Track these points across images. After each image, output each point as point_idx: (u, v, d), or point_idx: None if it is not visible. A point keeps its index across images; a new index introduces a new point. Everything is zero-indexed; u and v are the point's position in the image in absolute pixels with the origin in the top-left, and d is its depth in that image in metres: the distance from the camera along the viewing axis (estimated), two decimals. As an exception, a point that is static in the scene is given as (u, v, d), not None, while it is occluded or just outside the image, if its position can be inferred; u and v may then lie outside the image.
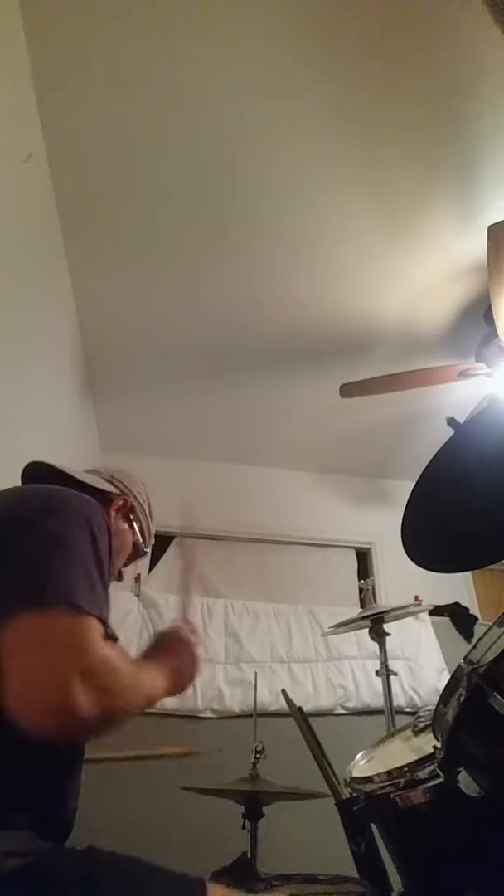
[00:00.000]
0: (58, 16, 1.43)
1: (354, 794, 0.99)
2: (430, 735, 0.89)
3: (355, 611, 1.98)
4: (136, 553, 1.13)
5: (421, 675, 2.56)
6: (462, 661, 0.68)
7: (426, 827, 0.87)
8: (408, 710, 2.39)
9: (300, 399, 2.86)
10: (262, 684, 2.23)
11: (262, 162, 1.78)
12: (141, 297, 2.28)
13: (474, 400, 2.43)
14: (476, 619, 2.89)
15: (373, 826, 0.98)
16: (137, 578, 2.79)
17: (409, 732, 1.10)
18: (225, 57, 1.52)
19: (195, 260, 2.11)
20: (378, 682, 1.85)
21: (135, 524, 1.10)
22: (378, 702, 2.25)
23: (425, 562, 1.15)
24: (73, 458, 2.51)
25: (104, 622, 0.65)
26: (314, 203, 1.91)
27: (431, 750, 0.85)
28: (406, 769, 0.87)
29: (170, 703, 2.29)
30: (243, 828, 1.35)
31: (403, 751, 1.02)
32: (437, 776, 0.79)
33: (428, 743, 0.90)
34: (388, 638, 1.75)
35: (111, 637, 0.67)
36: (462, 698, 0.66)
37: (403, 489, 1.14)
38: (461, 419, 1.13)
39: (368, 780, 0.95)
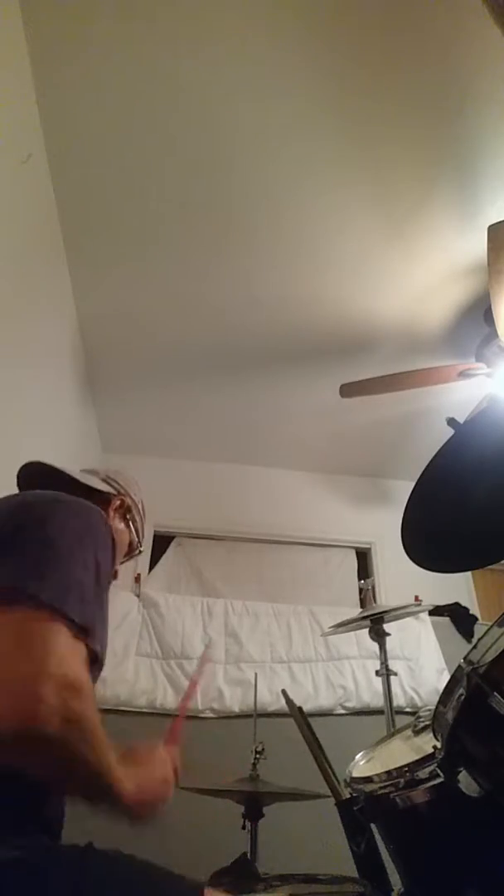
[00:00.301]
0: (58, 16, 1.43)
1: (354, 794, 0.99)
2: (430, 735, 0.89)
3: (355, 611, 1.98)
4: (132, 552, 1.15)
5: (421, 675, 2.56)
6: (462, 661, 0.68)
7: (426, 827, 0.87)
8: (408, 710, 2.39)
9: (300, 399, 2.86)
10: (262, 684, 2.24)
11: (263, 162, 1.78)
12: (141, 297, 2.28)
13: (474, 400, 2.43)
14: (476, 619, 2.89)
15: (373, 826, 0.98)
16: (137, 578, 2.79)
17: (409, 732, 1.10)
18: (225, 57, 1.52)
19: (195, 260, 2.11)
20: (378, 682, 1.85)
21: (131, 524, 1.12)
22: (378, 702, 2.25)
23: (425, 562, 1.15)
24: (74, 457, 2.51)
25: (89, 630, 0.64)
26: (314, 203, 1.91)
27: (431, 750, 0.84)
28: (406, 769, 0.87)
29: (170, 702, 2.30)
30: (243, 828, 1.36)
31: (403, 751, 1.02)
32: (437, 776, 0.79)
33: (428, 743, 0.90)
34: (388, 638, 1.75)
35: (98, 656, 0.66)
36: (462, 698, 0.66)
37: (403, 489, 1.14)
38: (461, 419, 1.13)
39: (368, 780, 0.95)
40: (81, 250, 2.07)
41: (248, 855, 1.30)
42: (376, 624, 1.75)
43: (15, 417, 1.72)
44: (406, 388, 2.30)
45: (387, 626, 1.76)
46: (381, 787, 0.90)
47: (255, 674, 2.10)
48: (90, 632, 0.64)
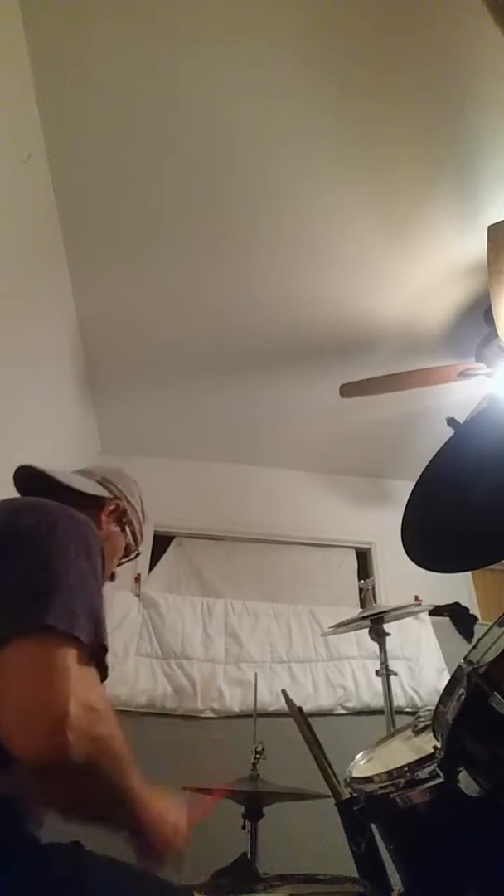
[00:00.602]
0: (58, 16, 1.43)
1: (354, 794, 0.99)
2: (430, 735, 0.89)
3: (355, 611, 1.98)
4: (127, 555, 1.13)
5: (421, 675, 2.56)
6: (462, 661, 0.68)
7: (426, 827, 0.87)
8: (408, 710, 2.39)
9: (300, 399, 2.86)
10: (262, 684, 2.23)
11: (263, 162, 1.78)
12: (141, 297, 2.28)
13: (474, 400, 2.43)
14: (476, 619, 2.89)
15: (373, 826, 0.98)
16: (137, 578, 2.79)
17: (409, 732, 1.10)
18: (225, 57, 1.52)
19: (195, 260, 2.11)
20: (378, 682, 1.85)
21: (127, 528, 1.09)
22: (378, 702, 2.25)
23: (425, 562, 1.15)
24: (74, 458, 2.51)
25: (99, 648, 0.64)
26: (314, 203, 1.91)
27: (431, 750, 0.84)
28: (406, 769, 0.87)
29: (170, 702, 2.30)
30: (243, 828, 1.35)
31: (403, 751, 1.02)
32: (438, 776, 0.79)
33: (428, 743, 0.90)
34: (388, 638, 1.75)
35: (105, 667, 0.66)
36: (462, 698, 0.66)
37: (403, 489, 1.14)
38: (461, 419, 1.13)
39: (368, 780, 0.95)
40: (81, 250, 2.07)
41: (248, 855, 1.30)
42: (376, 624, 1.75)
43: (15, 417, 1.72)
44: (406, 388, 2.30)
45: (387, 626, 1.76)
46: (381, 787, 0.90)
47: (255, 674, 2.10)
48: (100, 649, 0.64)
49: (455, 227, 1.97)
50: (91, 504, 0.99)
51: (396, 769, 0.89)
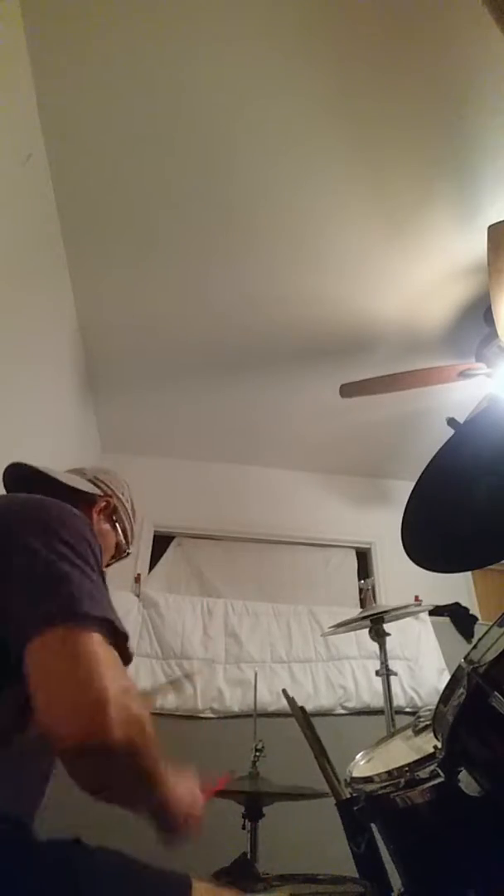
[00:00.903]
0: (58, 16, 1.43)
1: (355, 794, 0.99)
2: (431, 735, 0.89)
3: (355, 611, 1.98)
4: (118, 553, 1.13)
5: (421, 675, 2.56)
6: (462, 660, 0.68)
7: (426, 827, 0.87)
8: (408, 710, 2.39)
9: (300, 399, 2.86)
10: (262, 684, 2.24)
11: (263, 162, 1.78)
12: (141, 297, 2.28)
13: (474, 400, 2.43)
14: (476, 619, 2.89)
15: (373, 826, 0.98)
16: (137, 578, 2.79)
17: (409, 732, 1.10)
18: (225, 57, 1.52)
19: (195, 260, 2.11)
20: (378, 682, 1.85)
21: (117, 525, 1.10)
22: (378, 702, 2.25)
23: (425, 562, 1.15)
24: (74, 458, 2.51)
25: (118, 631, 0.65)
26: (314, 203, 1.91)
27: (432, 750, 0.84)
28: (406, 769, 0.87)
29: (170, 702, 2.30)
30: (243, 828, 1.35)
31: (404, 751, 1.02)
32: (438, 776, 0.79)
33: (428, 743, 0.90)
34: (388, 638, 1.75)
35: (129, 651, 0.67)
36: (462, 698, 0.66)
37: (403, 489, 1.14)
38: (461, 419, 1.13)
39: (369, 780, 0.95)
40: (81, 251, 2.07)
41: (248, 855, 1.30)
42: (376, 624, 1.75)
43: (15, 417, 1.72)
44: (406, 388, 2.30)
45: (387, 626, 1.76)
46: (381, 787, 0.90)
47: (255, 673, 2.10)
48: (119, 632, 0.65)
49: (455, 227, 1.97)
50: (82, 500, 1.00)
51: (396, 769, 0.89)
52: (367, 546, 3.29)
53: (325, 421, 3.01)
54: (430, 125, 1.67)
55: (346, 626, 1.84)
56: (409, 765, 0.87)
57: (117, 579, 2.52)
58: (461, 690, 0.67)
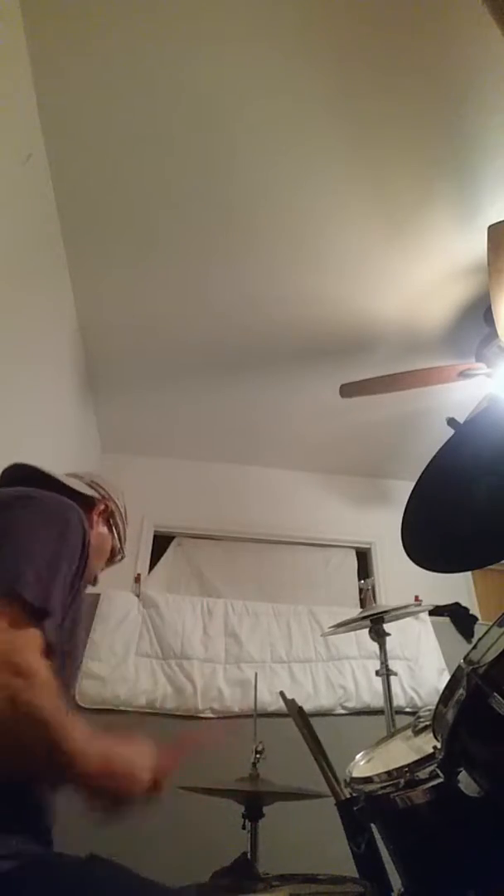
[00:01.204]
0: (58, 16, 1.43)
1: (354, 794, 0.99)
2: (430, 735, 0.89)
3: (355, 611, 1.98)
4: (113, 557, 1.15)
5: (421, 675, 2.56)
6: (462, 661, 0.68)
7: (426, 827, 0.87)
8: (408, 710, 2.38)
9: (300, 399, 2.86)
10: (262, 684, 2.23)
11: (263, 162, 1.78)
12: (141, 297, 2.28)
13: (474, 400, 2.43)
14: (476, 619, 2.89)
15: (373, 826, 0.98)
16: (137, 578, 2.79)
17: (409, 732, 1.10)
18: (225, 57, 1.52)
19: (195, 260, 2.11)
20: (378, 682, 1.85)
21: (114, 529, 1.12)
22: (378, 702, 2.25)
23: (425, 562, 1.15)
24: (74, 457, 2.51)
25: (47, 613, 0.64)
26: (314, 203, 1.91)
27: (431, 750, 0.84)
28: (406, 769, 0.87)
29: (170, 702, 2.30)
30: (243, 828, 1.35)
31: (403, 751, 1.02)
32: (438, 776, 0.79)
33: (428, 743, 0.90)
34: (388, 638, 1.75)
35: (39, 609, 0.65)
36: (462, 698, 0.66)
37: (403, 489, 1.14)
38: (461, 419, 1.13)
39: (368, 780, 0.95)
40: (81, 251, 2.07)
41: (248, 855, 1.30)
42: (376, 624, 1.75)
43: (15, 418, 1.72)
44: (406, 388, 2.30)
45: (387, 626, 1.76)
46: (381, 787, 0.90)
47: (255, 674, 2.10)
48: (47, 614, 0.64)
49: (455, 227, 1.97)
50: (82, 503, 1.00)
51: (396, 769, 0.89)
52: (367, 546, 3.29)
53: (325, 421, 3.01)
54: (430, 125, 1.67)
55: (346, 626, 1.83)
56: (408, 765, 0.87)
57: (117, 579, 2.53)
58: (461, 691, 0.67)
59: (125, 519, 1.17)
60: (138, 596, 2.66)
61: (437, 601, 2.68)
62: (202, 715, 2.31)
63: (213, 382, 2.76)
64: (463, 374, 2.24)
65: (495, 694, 0.63)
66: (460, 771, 0.72)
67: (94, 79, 1.57)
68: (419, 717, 1.06)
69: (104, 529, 1.09)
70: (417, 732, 1.05)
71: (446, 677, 1.06)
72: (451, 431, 1.05)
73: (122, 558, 1.19)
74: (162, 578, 2.94)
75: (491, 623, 0.67)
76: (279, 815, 1.45)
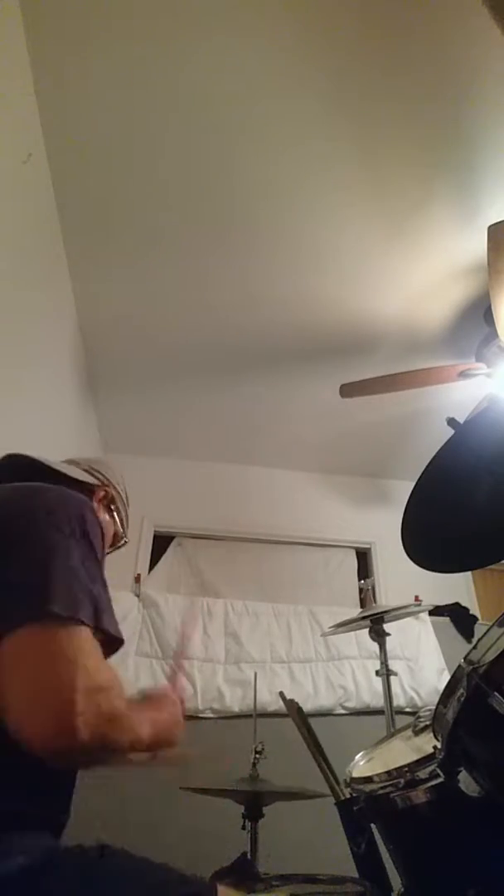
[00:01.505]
0: (58, 16, 1.43)
1: (354, 794, 0.99)
2: (430, 735, 0.89)
3: (355, 611, 1.98)
4: (116, 542, 1.14)
5: (421, 675, 2.56)
6: (462, 661, 0.68)
7: (426, 827, 0.87)
8: (408, 710, 2.39)
9: (300, 399, 2.86)
10: (262, 684, 2.23)
11: (263, 162, 1.78)
12: (141, 298, 2.28)
13: (474, 400, 2.43)
14: (476, 619, 2.89)
15: (373, 826, 0.98)
16: (137, 578, 2.79)
17: (409, 732, 1.10)
18: (224, 57, 1.52)
19: (195, 260, 2.11)
20: (378, 682, 1.85)
21: (115, 514, 1.11)
22: (378, 702, 2.25)
23: (425, 562, 1.15)
24: (74, 457, 2.51)
25: (106, 631, 0.64)
26: (314, 203, 1.91)
27: (431, 750, 0.84)
28: (406, 769, 0.87)
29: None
30: (243, 828, 1.35)
31: (403, 751, 1.01)
32: (438, 776, 0.79)
33: (428, 743, 0.90)
34: (388, 638, 1.75)
35: (117, 639, 0.67)
36: (462, 698, 0.66)
37: (403, 489, 1.14)
38: (461, 419, 1.13)
39: (368, 780, 0.95)
40: (81, 250, 2.07)
41: (248, 855, 1.30)
42: (376, 624, 1.75)
43: (15, 418, 1.72)
44: (406, 388, 2.30)
45: (387, 626, 1.76)
46: (381, 787, 0.90)
47: (255, 674, 2.10)
48: (104, 628, 0.64)
49: (455, 227, 1.97)
50: (82, 491, 0.99)
51: (396, 769, 0.89)
52: (367, 546, 3.29)
53: (325, 421, 3.01)
54: (430, 125, 1.67)
55: (346, 626, 1.84)
56: (408, 765, 0.87)
57: (117, 579, 2.52)
58: (461, 691, 0.67)
59: (126, 502, 1.16)
60: (138, 596, 2.66)
61: (437, 601, 2.68)
62: (202, 715, 2.31)
63: (213, 382, 2.76)
64: (463, 374, 2.24)
65: (495, 693, 0.63)
66: (460, 771, 0.72)
67: (94, 79, 1.57)
68: (419, 717, 1.06)
69: (106, 516, 1.08)
70: (417, 732, 1.05)
71: (446, 677, 1.06)
72: (451, 431, 1.05)
73: (126, 543, 1.19)
74: (162, 578, 2.94)
75: (491, 623, 0.67)
76: (279, 815, 1.45)
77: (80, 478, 1.03)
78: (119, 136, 1.70)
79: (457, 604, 2.91)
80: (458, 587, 3.06)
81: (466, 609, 2.91)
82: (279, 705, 2.06)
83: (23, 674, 0.57)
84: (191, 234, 2.01)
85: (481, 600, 3.13)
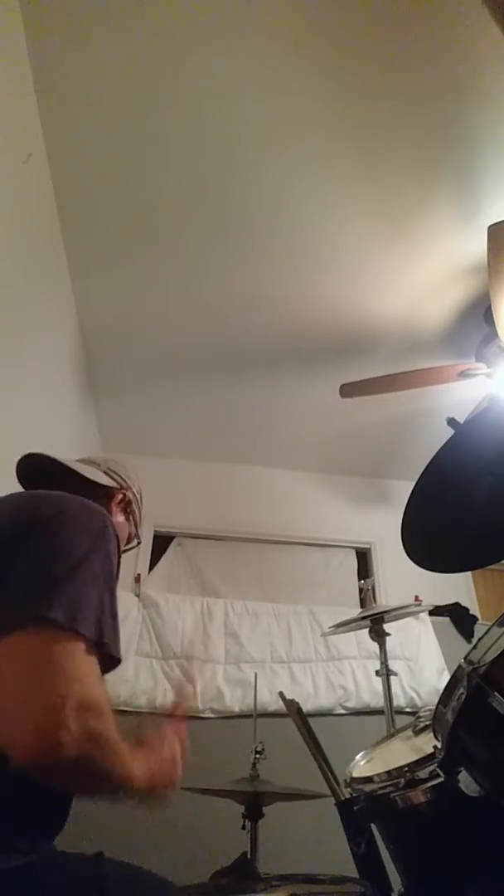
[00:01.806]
0: (58, 16, 1.43)
1: (354, 794, 1.00)
2: (430, 735, 0.89)
3: (355, 611, 1.98)
4: (129, 542, 1.15)
5: (421, 675, 2.56)
6: (462, 661, 0.68)
7: (426, 827, 0.87)
8: (408, 710, 2.38)
9: (300, 399, 2.86)
10: (262, 684, 2.23)
11: (263, 162, 1.78)
12: (141, 297, 2.28)
13: (474, 400, 2.43)
14: (476, 619, 2.89)
15: (373, 826, 0.98)
16: (137, 578, 2.79)
17: (409, 732, 1.10)
18: (224, 56, 1.52)
19: (195, 260, 2.11)
20: (378, 682, 1.85)
21: (131, 517, 1.11)
22: (378, 702, 2.25)
23: (425, 562, 1.15)
24: (74, 457, 2.51)
25: (103, 643, 0.62)
26: (314, 203, 1.91)
27: (431, 750, 0.85)
28: (406, 769, 0.87)
29: (170, 702, 2.29)
30: (243, 828, 1.35)
31: (403, 751, 1.02)
32: (438, 776, 0.79)
33: (428, 743, 0.90)
34: (388, 638, 1.75)
35: (115, 658, 0.65)
36: (462, 698, 0.66)
37: (403, 489, 1.14)
38: (461, 419, 1.13)
39: (368, 780, 0.95)
40: (81, 250, 2.07)
41: (248, 855, 1.30)
42: (376, 624, 1.75)
43: (15, 417, 1.72)
44: (406, 388, 2.30)
45: (387, 626, 1.76)
46: (381, 787, 0.90)
47: (255, 674, 2.10)
48: (104, 644, 0.63)
49: (455, 227, 1.97)
50: (100, 493, 0.99)
51: (396, 769, 0.89)
52: (367, 546, 3.29)
53: (325, 421, 3.01)
54: (430, 125, 1.67)
55: (346, 626, 1.83)
56: (408, 765, 0.87)
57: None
58: (461, 691, 0.67)
59: (140, 503, 1.16)
60: (138, 596, 2.66)
61: (437, 601, 2.68)
62: (202, 715, 2.31)
63: (213, 382, 2.76)
64: (463, 374, 2.24)
65: (496, 693, 0.63)
66: (460, 771, 0.72)
67: (95, 79, 1.57)
68: (419, 717, 1.07)
69: (121, 518, 1.07)
70: (417, 732, 1.05)
71: (446, 677, 1.06)
72: (451, 431, 1.05)
73: (139, 543, 1.19)
74: (162, 578, 2.94)
75: (491, 623, 0.67)
76: (279, 815, 1.45)
77: (101, 481, 1.03)
78: (119, 136, 1.70)
79: (457, 604, 2.91)
80: (458, 587, 3.06)
81: (466, 609, 2.91)
82: (279, 705, 2.06)
83: (11, 678, 0.55)
84: (191, 234, 2.01)
85: (481, 600, 3.13)
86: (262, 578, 3.05)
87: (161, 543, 3.08)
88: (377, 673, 1.72)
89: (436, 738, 0.81)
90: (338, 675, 2.52)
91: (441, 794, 0.81)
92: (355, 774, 1.02)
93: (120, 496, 1.07)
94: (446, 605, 2.87)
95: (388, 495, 3.43)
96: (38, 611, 0.58)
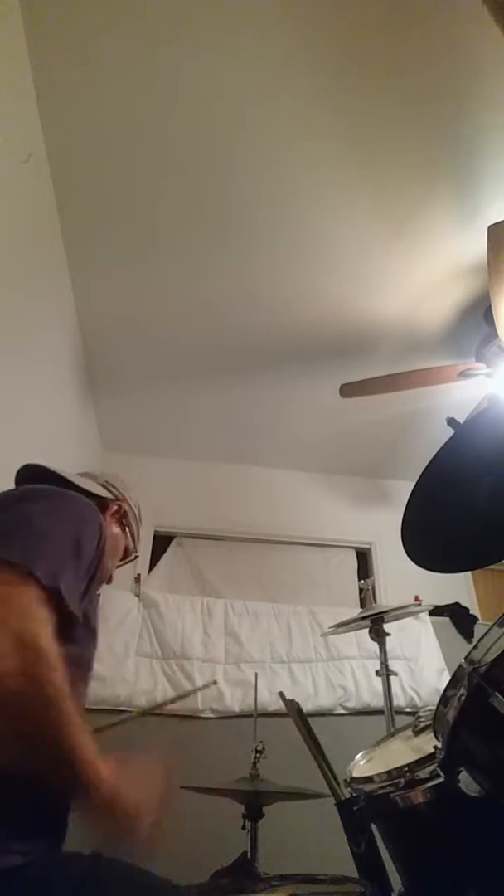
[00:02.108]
0: (58, 16, 1.43)
1: (354, 794, 0.99)
2: (431, 735, 0.89)
3: (355, 611, 1.98)
4: (126, 556, 1.17)
5: (421, 675, 2.56)
6: (463, 660, 0.68)
7: (426, 827, 0.87)
8: (408, 710, 2.39)
9: (300, 399, 2.86)
10: (262, 684, 2.23)
11: (263, 162, 1.78)
12: (141, 297, 2.28)
13: (474, 400, 2.43)
14: (476, 619, 2.89)
15: (373, 826, 0.98)
16: (137, 578, 2.79)
17: (409, 732, 1.10)
18: (225, 57, 1.52)
19: (195, 260, 2.11)
20: (378, 682, 1.85)
21: (127, 529, 1.14)
22: (378, 702, 2.25)
23: (425, 562, 1.15)
24: (74, 458, 2.51)
25: (61, 595, 0.63)
26: (314, 203, 1.91)
27: (432, 750, 0.85)
28: (406, 769, 0.87)
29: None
30: (243, 828, 1.35)
31: (403, 751, 1.02)
32: (438, 776, 0.79)
33: (428, 743, 0.90)
34: (388, 638, 1.75)
35: (72, 614, 0.65)
36: (463, 698, 0.66)
37: (403, 489, 1.14)
38: (461, 419, 1.13)
39: (369, 780, 0.95)
40: (81, 250, 2.07)
41: (248, 855, 1.30)
42: (376, 624, 1.75)
43: (15, 418, 1.72)
44: (406, 388, 2.30)
45: (387, 626, 1.76)
46: (381, 787, 0.90)
47: (256, 674, 2.10)
48: (62, 596, 0.63)
49: (455, 227, 1.97)
50: (96, 504, 1.01)
51: (396, 769, 0.89)
52: (367, 546, 3.29)
53: (325, 421, 3.01)
54: (429, 125, 1.67)
55: (346, 626, 1.84)
56: (409, 765, 0.87)
57: (117, 579, 2.52)
58: (462, 691, 0.67)
59: (139, 518, 1.19)
60: (138, 596, 2.66)
61: (437, 601, 2.68)
62: (202, 715, 2.31)
63: (213, 382, 2.76)
64: (463, 374, 2.24)
65: (496, 693, 0.63)
66: (461, 771, 0.72)
67: (94, 79, 1.57)
68: (419, 717, 1.07)
69: (117, 530, 1.10)
70: (417, 732, 1.05)
71: (446, 677, 1.06)
72: (451, 431, 1.05)
73: (137, 557, 1.21)
74: (162, 578, 2.94)
75: (491, 623, 0.67)
76: (279, 815, 1.45)
77: (95, 491, 1.06)
78: (119, 136, 1.70)
79: (457, 604, 2.91)
80: (458, 587, 3.06)
81: (466, 609, 2.91)
82: (279, 705, 2.06)
83: None
84: (191, 234, 2.01)
85: (481, 600, 3.13)
86: (262, 578, 3.05)
87: (161, 543, 3.08)
88: (377, 673, 1.72)
89: (436, 738, 0.81)
90: (338, 675, 2.52)
91: (441, 794, 0.81)
92: (355, 774, 1.02)
93: (115, 507, 1.10)
94: (446, 605, 2.87)
95: (388, 495, 3.43)
96: (16, 554, 0.61)
